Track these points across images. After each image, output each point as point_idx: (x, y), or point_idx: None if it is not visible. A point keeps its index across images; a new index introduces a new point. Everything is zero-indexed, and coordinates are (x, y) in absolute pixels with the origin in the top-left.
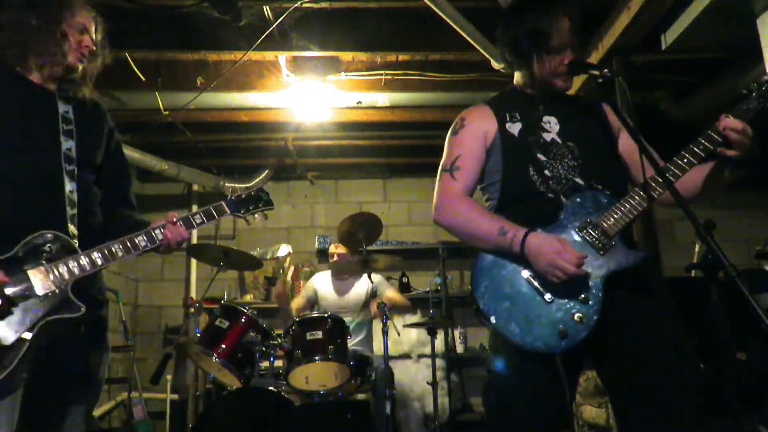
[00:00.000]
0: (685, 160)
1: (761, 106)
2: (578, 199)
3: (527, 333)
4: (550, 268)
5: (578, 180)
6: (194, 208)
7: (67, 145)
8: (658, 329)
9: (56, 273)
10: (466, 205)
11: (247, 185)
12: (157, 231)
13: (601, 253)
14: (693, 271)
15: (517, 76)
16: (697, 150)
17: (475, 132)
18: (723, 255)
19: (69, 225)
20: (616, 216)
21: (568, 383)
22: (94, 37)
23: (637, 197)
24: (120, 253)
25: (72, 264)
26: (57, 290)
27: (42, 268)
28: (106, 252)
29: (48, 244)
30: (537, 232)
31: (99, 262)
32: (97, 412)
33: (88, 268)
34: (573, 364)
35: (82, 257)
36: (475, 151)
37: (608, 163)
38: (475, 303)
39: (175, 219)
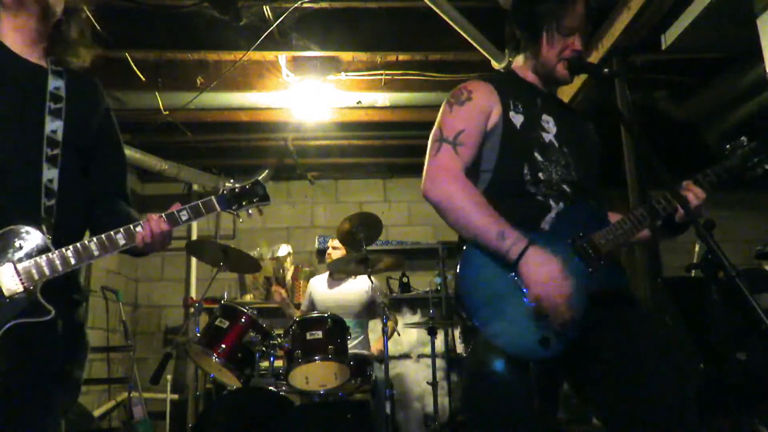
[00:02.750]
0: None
1: None
2: (570, 209)
3: (508, 335)
4: (543, 293)
5: (566, 188)
6: None
7: (53, 126)
8: (642, 336)
9: (25, 272)
10: (464, 189)
11: (245, 180)
12: (139, 228)
13: (590, 269)
14: (693, 271)
15: (519, 59)
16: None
17: (481, 109)
18: (723, 255)
19: (44, 217)
20: (609, 236)
21: (548, 397)
22: None
23: (634, 219)
24: (96, 252)
25: (42, 262)
26: (24, 291)
27: (10, 265)
28: (80, 250)
29: (18, 240)
30: (538, 248)
31: (73, 261)
32: (97, 412)
33: (60, 268)
34: (550, 377)
35: (55, 255)
36: (479, 128)
37: (595, 179)
38: (457, 298)
39: (157, 216)
